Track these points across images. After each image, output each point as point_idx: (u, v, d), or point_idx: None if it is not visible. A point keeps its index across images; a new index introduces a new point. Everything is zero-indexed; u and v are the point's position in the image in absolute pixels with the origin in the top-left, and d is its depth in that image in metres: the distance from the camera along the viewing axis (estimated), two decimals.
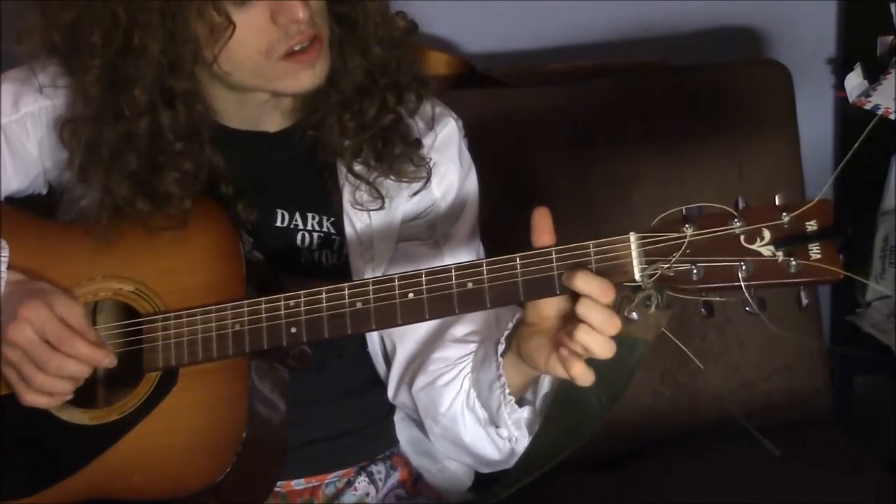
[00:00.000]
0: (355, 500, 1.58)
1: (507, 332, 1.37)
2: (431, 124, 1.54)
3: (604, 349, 1.21)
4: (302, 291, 1.32)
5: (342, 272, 1.53)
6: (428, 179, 1.52)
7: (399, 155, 1.49)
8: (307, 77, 1.41)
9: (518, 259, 1.25)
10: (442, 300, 1.26)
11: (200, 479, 1.37)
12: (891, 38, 2.38)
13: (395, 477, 1.62)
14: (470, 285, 1.26)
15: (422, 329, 1.50)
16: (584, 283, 1.21)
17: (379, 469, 1.61)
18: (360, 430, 1.59)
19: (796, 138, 2.12)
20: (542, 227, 1.26)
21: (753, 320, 2.02)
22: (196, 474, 1.38)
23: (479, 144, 1.62)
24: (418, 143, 1.52)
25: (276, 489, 1.54)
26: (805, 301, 1.20)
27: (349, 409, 1.58)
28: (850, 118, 2.43)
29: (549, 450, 1.36)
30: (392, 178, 1.50)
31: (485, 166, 1.61)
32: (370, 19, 1.46)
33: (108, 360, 1.38)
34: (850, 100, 2.35)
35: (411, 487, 1.63)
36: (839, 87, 2.41)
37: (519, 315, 1.33)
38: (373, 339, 1.56)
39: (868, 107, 2.30)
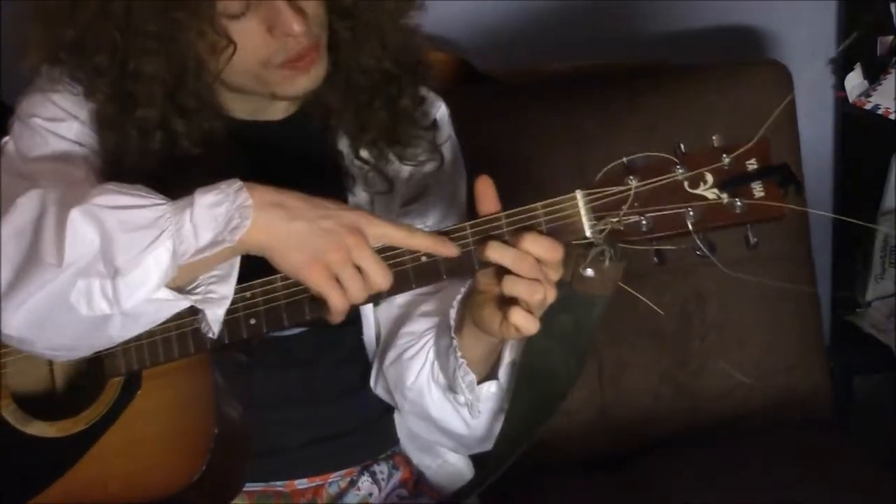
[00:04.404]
0: (358, 499, 1.57)
1: (459, 297, 1.37)
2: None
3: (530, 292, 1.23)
4: (258, 281, 1.29)
5: None
6: (442, 162, 1.54)
7: (413, 137, 1.52)
8: (303, 82, 1.42)
9: (469, 228, 1.25)
10: (398, 276, 1.26)
11: (176, 481, 1.35)
12: (891, 38, 2.39)
13: (398, 476, 1.62)
14: (424, 258, 1.26)
15: (395, 310, 1.53)
16: (532, 244, 1.22)
17: (382, 469, 1.61)
18: (361, 429, 1.59)
19: (796, 138, 2.12)
20: (488, 197, 1.26)
21: (754, 320, 2.06)
22: (171, 476, 1.36)
23: (479, 144, 1.62)
24: (434, 126, 1.54)
25: (280, 488, 1.53)
26: (753, 240, 1.20)
27: (350, 407, 1.58)
28: (850, 118, 2.43)
29: (525, 424, 1.36)
30: (405, 163, 1.52)
31: (483, 166, 1.61)
32: (379, 14, 1.47)
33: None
34: (850, 100, 2.36)
35: (413, 488, 1.63)
36: (839, 87, 2.41)
37: (471, 282, 1.34)
38: (369, 326, 1.56)
39: (868, 107, 2.30)
